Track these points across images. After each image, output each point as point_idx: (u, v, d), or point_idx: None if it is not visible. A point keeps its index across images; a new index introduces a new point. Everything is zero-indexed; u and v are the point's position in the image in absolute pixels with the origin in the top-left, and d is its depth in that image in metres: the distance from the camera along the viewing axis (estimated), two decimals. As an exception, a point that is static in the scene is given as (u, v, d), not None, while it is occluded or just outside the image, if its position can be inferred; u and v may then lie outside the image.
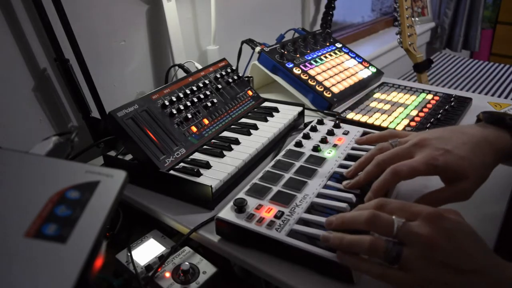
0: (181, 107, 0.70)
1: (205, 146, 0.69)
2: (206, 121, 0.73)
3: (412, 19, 1.40)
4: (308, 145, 0.66)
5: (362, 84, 0.99)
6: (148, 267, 0.53)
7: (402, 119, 0.80)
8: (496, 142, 0.50)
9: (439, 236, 0.37)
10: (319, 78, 0.93)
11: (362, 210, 0.43)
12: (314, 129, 0.72)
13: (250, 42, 1.01)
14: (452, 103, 0.86)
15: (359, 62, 1.07)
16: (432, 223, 0.38)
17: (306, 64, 0.97)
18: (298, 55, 0.98)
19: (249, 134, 0.73)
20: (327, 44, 1.10)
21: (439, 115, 0.80)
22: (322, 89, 0.90)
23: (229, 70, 0.85)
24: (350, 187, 0.53)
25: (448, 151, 0.48)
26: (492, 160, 0.50)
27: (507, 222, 0.55)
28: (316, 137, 0.69)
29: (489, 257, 0.38)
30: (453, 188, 0.48)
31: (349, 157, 0.63)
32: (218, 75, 0.82)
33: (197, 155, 0.66)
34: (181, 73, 0.90)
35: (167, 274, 0.51)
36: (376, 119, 0.81)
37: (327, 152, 0.64)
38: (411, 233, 0.38)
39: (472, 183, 0.48)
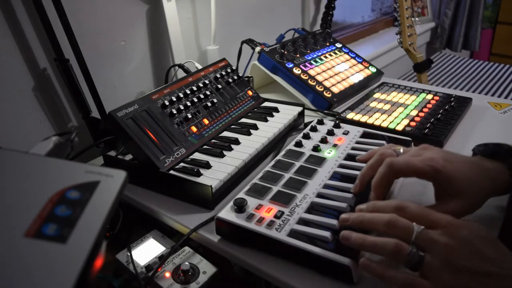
0: (181, 107, 0.70)
1: (205, 146, 0.69)
2: (206, 121, 0.73)
3: (412, 19, 1.40)
4: (308, 145, 0.66)
5: (362, 84, 0.99)
6: (148, 267, 0.53)
7: (402, 119, 0.80)
8: (494, 174, 0.50)
9: (457, 243, 0.38)
10: (319, 78, 0.93)
11: (380, 210, 0.43)
12: (314, 129, 0.72)
13: (250, 42, 1.01)
14: (452, 103, 0.86)
15: (359, 62, 1.07)
16: (450, 232, 0.39)
17: (306, 64, 0.97)
18: (298, 55, 0.98)
19: (249, 134, 0.73)
20: (327, 44, 1.10)
21: (439, 115, 0.80)
22: (322, 89, 0.90)
23: (229, 70, 0.85)
24: (357, 190, 0.53)
25: (451, 162, 0.48)
26: (489, 191, 0.49)
27: (507, 222, 0.55)
28: (316, 137, 0.69)
29: (511, 260, 0.38)
30: (445, 206, 0.48)
31: (349, 157, 0.63)
32: (218, 75, 0.82)
33: (197, 155, 0.66)
34: (181, 73, 0.90)
35: (167, 274, 0.51)
36: (376, 119, 0.81)
37: (327, 152, 0.64)
38: (430, 239, 0.39)
39: (464, 204, 0.47)
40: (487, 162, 0.51)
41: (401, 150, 0.53)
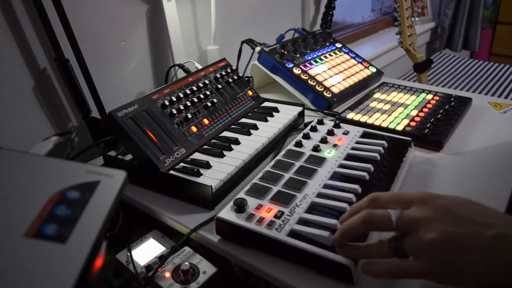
0: (181, 107, 0.70)
1: (205, 146, 0.69)
2: (206, 121, 0.73)
3: (412, 19, 1.40)
4: (308, 145, 0.66)
5: (362, 84, 0.99)
6: (148, 267, 0.53)
7: (402, 119, 0.80)
8: None
9: (438, 212, 0.37)
10: (319, 78, 0.93)
11: (357, 210, 0.42)
12: (314, 129, 0.72)
13: (250, 42, 1.01)
14: (452, 103, 0.86)
15: (359, 62, 1.07)
16: (427, 204, 0.38)
17: (306, 64, 0.96)
18: (298, 55, 0.98)
19: (249, 134, 0.73)
20: (327, 44, 1.10)
21: (439, 115, 0.80)
22: (322, 89, 0.90)
23: (229, 70, 0.85)
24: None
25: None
26: None
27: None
28: (316, 137, 0.69)
29: (501, 217, 0.36)
30: None
31: (349, 157, 0.63)
32: (218, 75, 0.82)
33: (197, 155, 0.66)
34: (181, 73, 0.90)
35: (167, 274, 0.51)
36: (376, 119, 0.81)
37: (327, 152, 0.64)
38: (410, 219, 0.37)
39: None
40: None
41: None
